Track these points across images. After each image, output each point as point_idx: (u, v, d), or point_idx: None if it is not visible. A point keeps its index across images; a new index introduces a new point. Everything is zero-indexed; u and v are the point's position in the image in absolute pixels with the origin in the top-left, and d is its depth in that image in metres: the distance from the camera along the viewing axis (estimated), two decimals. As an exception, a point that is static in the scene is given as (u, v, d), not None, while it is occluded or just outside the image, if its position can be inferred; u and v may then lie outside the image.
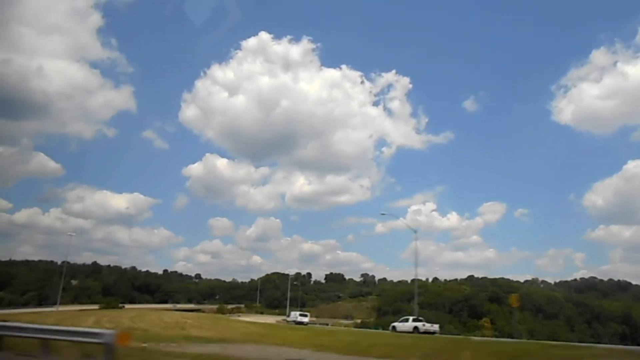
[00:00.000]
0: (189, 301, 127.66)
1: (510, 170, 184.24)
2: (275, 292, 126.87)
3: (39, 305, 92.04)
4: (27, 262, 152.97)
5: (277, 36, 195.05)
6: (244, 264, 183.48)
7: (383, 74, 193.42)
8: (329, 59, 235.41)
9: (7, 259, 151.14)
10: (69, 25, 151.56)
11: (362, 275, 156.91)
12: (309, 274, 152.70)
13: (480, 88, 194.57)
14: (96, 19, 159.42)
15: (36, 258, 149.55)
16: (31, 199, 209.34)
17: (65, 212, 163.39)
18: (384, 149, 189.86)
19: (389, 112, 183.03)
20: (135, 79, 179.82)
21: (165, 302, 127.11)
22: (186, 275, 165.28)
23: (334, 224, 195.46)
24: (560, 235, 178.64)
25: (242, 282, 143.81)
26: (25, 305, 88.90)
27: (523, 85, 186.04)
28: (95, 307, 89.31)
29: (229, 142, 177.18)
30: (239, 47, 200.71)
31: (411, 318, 42.78)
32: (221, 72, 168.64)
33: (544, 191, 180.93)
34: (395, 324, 43.25)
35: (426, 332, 40.97)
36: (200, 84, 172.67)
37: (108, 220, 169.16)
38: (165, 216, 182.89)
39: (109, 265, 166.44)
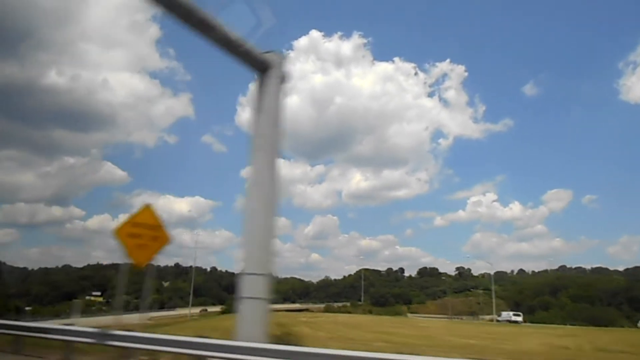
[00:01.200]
0: (285, 301, 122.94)
1: (576, 155, 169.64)
2: (379, 289, 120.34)
3: (161, 309, 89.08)
4: (114, 265, 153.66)
5: (328, 34, 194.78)
6: (303, 262, 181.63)
7: (437, 63, 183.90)
8: (381, 53, 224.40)
9: (95, 262, 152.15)
10: (130, 38, 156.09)
11: (457, 268, 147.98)
12: (402, 269, 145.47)
13: (540, 71, 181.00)
14: (154, 30, 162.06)
15: (107, 262, 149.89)
16: (102, 206, 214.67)
17: None
18: (440, 140, 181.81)
19: (444, 102, 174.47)
20: (193, 86, 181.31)
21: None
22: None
23: (392, 219, 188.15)
24: (633, 220, 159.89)
25: (334, 280, 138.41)
26: (150, 309, 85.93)
27: (586, 65, 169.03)
28: (217, 308, 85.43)
29: (284, 142, 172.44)
30: (290, 47, 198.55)
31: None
32: None
33: (613, 175, 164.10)
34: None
35: None
36: (254, 87, 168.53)
37: (172, 224, 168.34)
38: (226, 218, 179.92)
39: (190, 266, 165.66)
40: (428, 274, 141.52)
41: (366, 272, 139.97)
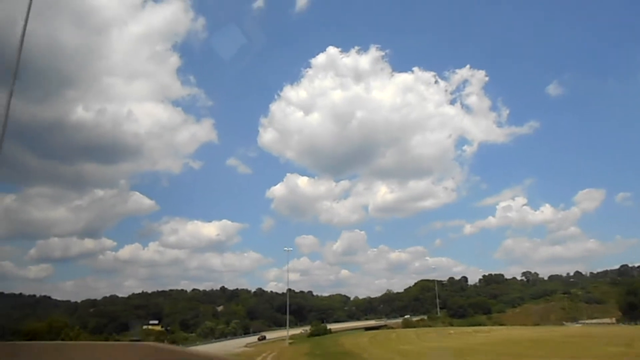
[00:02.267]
0: (351, 318, 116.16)
1: (606, 153, 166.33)
2: (451, 300, 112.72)
3: (246, 333, 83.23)
4: (162, 293, 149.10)
5: (345, 49, 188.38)
6: (333, 279, 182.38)
7: (457, 70, 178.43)
8: (400, 64, 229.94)
9: (140, 291, 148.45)
10: (152, 69, 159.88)
11: (524, 274, 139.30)
12: (465, 278, 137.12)
13: (564, 70, 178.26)
14: (174, 59, 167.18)
15: (138, 290, 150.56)
16: (132, 235, 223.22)
17: (162, 245, 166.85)
18: (465, 147, 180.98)
19: (467, 108, 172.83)
20: (215, 111, 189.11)
21: (322, 321, 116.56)
22: (307, 292, 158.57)
23: (420, 230, 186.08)
24: None
25: (396, 293, 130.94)
26: (234, 334, 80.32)
27: (610, 60, 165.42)
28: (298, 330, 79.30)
29: (308, 160, 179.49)
30: (308, 66, 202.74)
31: None
32: (294, 92, 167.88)
33: None
34: None
35: None
36: (275, 107, 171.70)
37: (201, 249, 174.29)
38: (254, 239, 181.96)
39: (236, 289, 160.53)
40: (494, 280, 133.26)
41: (428, 283, 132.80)
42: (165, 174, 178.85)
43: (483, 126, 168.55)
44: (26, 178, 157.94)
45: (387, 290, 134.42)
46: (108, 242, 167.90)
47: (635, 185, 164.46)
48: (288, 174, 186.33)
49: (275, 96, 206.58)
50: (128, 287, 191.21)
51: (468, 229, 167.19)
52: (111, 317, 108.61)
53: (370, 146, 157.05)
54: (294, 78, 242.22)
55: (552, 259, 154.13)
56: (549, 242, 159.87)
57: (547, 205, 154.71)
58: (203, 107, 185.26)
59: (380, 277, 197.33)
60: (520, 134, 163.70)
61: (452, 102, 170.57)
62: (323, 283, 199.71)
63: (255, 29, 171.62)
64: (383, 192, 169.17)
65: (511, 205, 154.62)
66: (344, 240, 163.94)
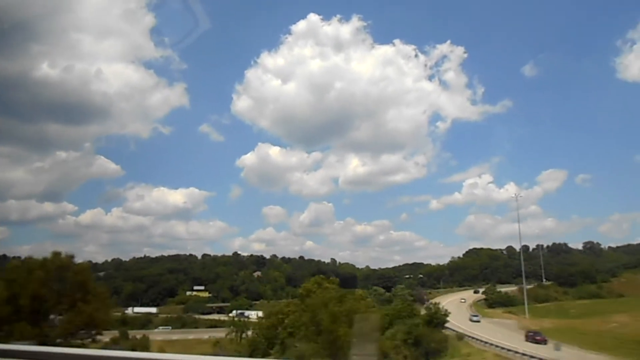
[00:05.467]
0: (423, 286, 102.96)
1: (572, 135, 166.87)
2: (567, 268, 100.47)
3: None
4: (171, 258, 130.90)
5: (327, 17, 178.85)
6: (297, 250, 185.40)
7: (438, 45, 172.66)
8: (381, 36, 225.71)
9: (142, 255, 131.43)
10: (124, 27, 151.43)
11: (586, 243, 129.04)
12: (526, 247, 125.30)
13: (540, 51, 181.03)
14: (149, 19, 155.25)
15: (101, 257, 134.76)
16: (94, 200, 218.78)
17: (126, 211, 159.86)
18: (438, 123, 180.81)
19: (444, 84, 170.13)
20: (188, 76, 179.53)
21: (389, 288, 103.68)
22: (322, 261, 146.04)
23: (388, 204, 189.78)
24: (625, 199, 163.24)
25: (461, 261, 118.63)
26: None
27: (584, 44, 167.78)
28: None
29: (282, 130, 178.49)
30: (288, 32, 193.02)
31: None
32: (272, 60, 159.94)
33: (608, 154, 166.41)
34: None
35: None
36: (250, 74, 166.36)
37: (166, 216, 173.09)
38: (221, 208, 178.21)
39: (251, 255, 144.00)
40: (561, 250, 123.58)
41: (481, 252, 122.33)
42: (133, 138, 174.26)
43: (458, 103, 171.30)
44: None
45: (452, 257, 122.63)
46: (69, 207, 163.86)
47: (594, 168, 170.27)
48: (260, 143, 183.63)
49: (252, 63, 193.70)
50: (88, 252, 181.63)
51: (434, 204, 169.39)
52: (151, 283, 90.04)
53: (345, 118, 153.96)
54: (273, 45, 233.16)
55: (510, 236, 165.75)
56: (510, 219, 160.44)
57: (512, 183, 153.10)
58: (176, 71, 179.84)
59: (344, 249, 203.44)
60: (493, 113, 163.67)
61: (430, 78, 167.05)
62: (287, 254, 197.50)
63: (174, 5, 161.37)
64: (354, 165, 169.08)
65: (477, 183, 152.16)
66: (312, 212, 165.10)
